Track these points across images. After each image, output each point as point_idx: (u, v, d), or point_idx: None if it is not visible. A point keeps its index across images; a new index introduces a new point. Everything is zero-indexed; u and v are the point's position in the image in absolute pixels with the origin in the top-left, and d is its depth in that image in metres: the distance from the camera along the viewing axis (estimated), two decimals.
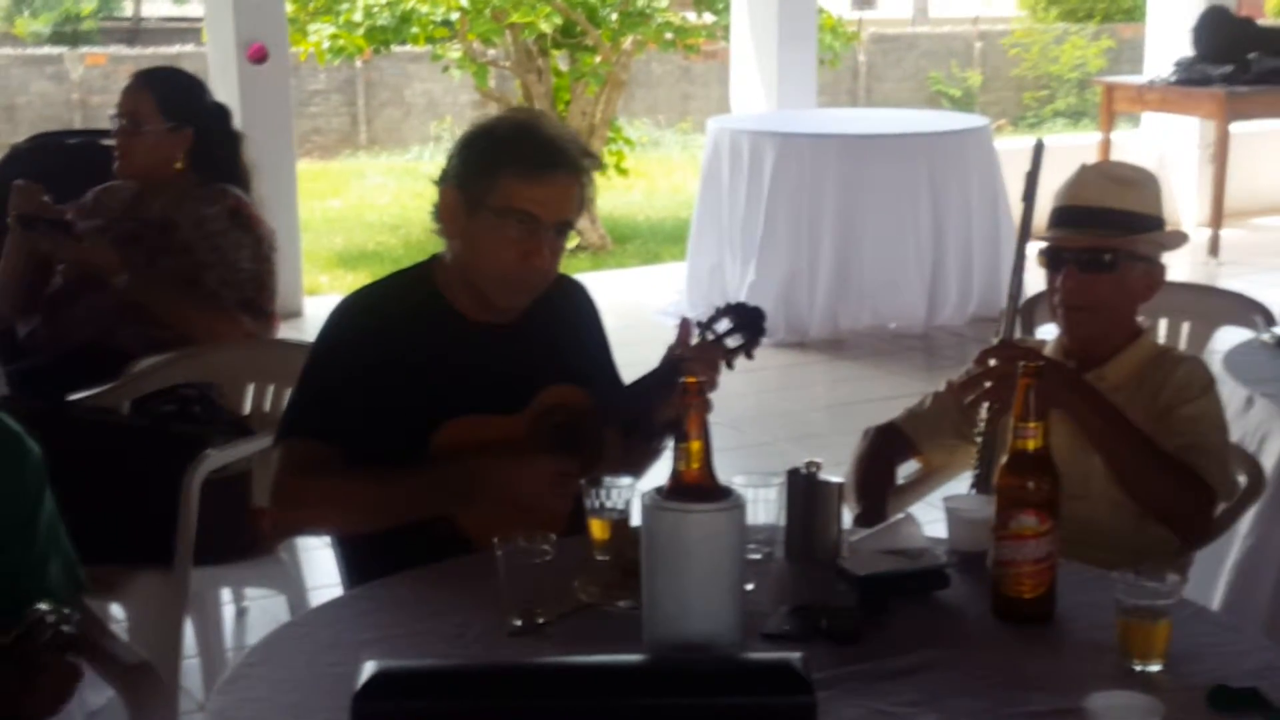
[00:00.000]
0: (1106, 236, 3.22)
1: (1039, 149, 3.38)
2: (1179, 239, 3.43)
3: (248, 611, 4.69)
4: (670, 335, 3.10)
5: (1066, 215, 3.28)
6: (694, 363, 2.98)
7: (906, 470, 3.53)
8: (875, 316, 7.96)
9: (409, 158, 15.43)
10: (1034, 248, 3.34)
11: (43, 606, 2.38)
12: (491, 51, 11.18)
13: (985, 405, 3.19)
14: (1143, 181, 3.32)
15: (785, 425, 6.62)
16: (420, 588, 2.67)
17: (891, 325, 7.99)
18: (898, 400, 3.61)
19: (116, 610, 3.45)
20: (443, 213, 3.04)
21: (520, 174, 2.94)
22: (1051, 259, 3.27)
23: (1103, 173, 3.33)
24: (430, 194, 3.09)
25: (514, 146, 2.96)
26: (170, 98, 4.41)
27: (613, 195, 11.86)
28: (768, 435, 6.40)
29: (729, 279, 7.90)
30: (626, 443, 3.12)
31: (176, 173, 4.40)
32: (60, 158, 5.23)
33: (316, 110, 16.67)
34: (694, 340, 3.10)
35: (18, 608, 2.61)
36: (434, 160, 12.74)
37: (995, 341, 3.27)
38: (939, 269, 8.02)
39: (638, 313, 7.79)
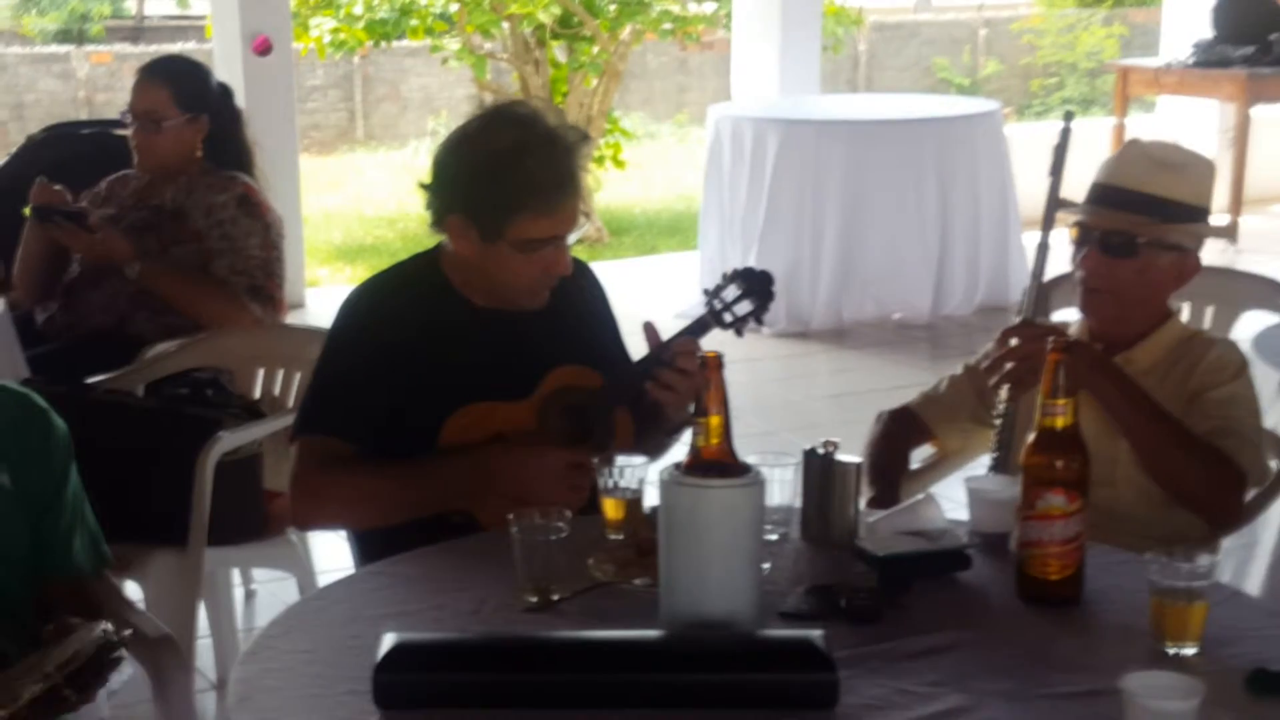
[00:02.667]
0: (1136, 221, 3.14)
1: (1068, 121, 3.32)
2: (1217, 231, 3.33)
3: (256, 594, 4.71)
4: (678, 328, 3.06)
5: (1101, 193, 3.20)
6: (678, 355, 2.95)
7: (921, 455, 3.51)
8: (879, 306, 7.88)
9: (406, 152, 15.41)
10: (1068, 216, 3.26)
11: (106, 628, 2.41)
12: (489, 44, 11.17)
13: (1006, 386, 3.15)
14: (1190, 166, 3.22)
15: (787, 415, 6.59)
16: (435, 565, 2.67)
17: (896, 315, 7.91)
18: (902, 391, 3.57)
19: (132, 588, 3.46)
20: (455, 239, 2.97)
21: (537, 211, 2.91)
22: (1081, 237, 3.20)
23: (1149, 153, 3.22)
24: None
25: (527, 185, 2.89)
26: (184, 89, 4.48)
27: (609, 188, 11.83)
28: (770, 425, 6.37)
29: (727, 269, 7.75)
30: (638, 423, 3.10)
31: (195, 161, 4.43)
32: (74, 147, 5.32)
33: (314, 106, 16.65)
34: (703, 310, 3.07)
35: (44, 580, 2.63)
36: (430, 156, 12.72)
37: (1017, 321, 3.22)
38: (945, 258, 7.92)
39: (638, 306, 7.75)
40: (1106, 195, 3.19)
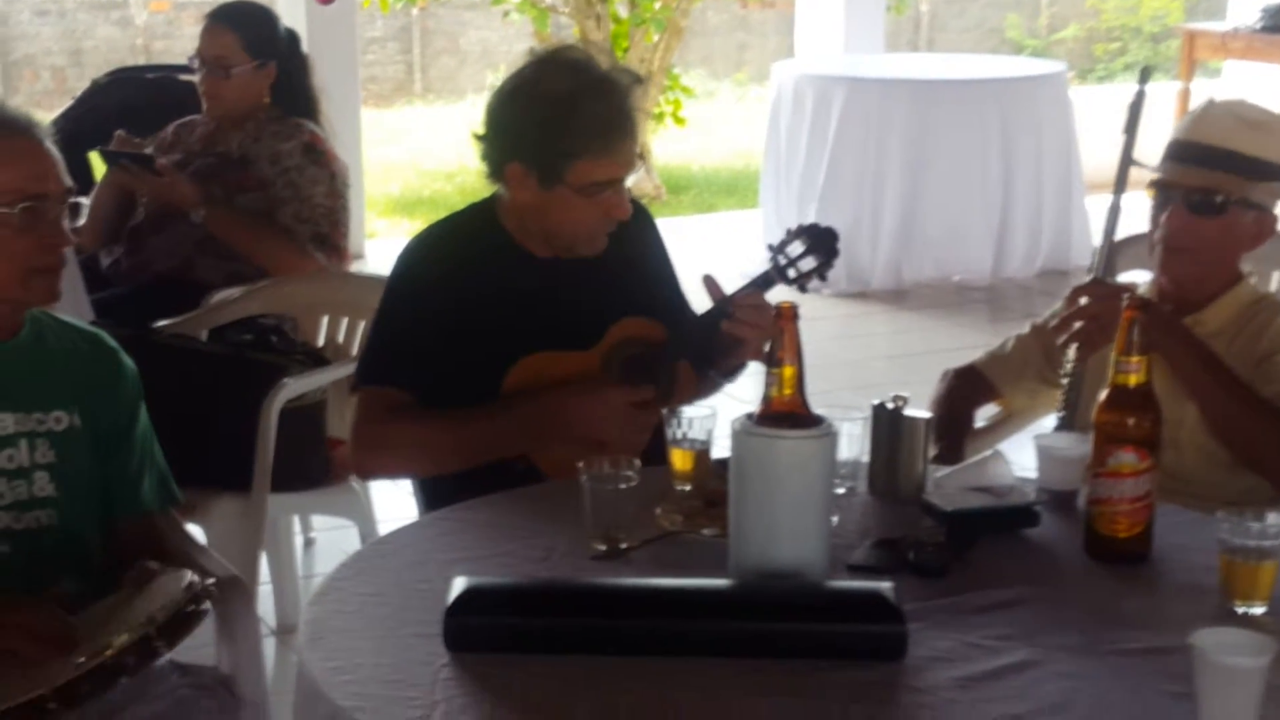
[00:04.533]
0: (1223, 179, 3.10)
1: (1144, 77, 3.29)
2: None
3: (316, 542, 4.73)
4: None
5: (1184, 150, 3.15)
6: (742, 308, 2.95)
7: (985, 414, 3.50)
8: (940, 267, 7.83)
9: (464, 106, 15.40)
10: (1139, 177, 3.23)
11: (193, 579, 2.43)
12: None
13: (1074, 345, 3.13)
14: (1273, 125, 3.17)
15: (847, 375, 6.57)
16: (502, 512, 2.68)
17: (956, 277, 7.86)
18: (961, 353, 3.55)
19: (196, 533, 3.48)
20: (514, 187, 2.97)
21: (597, 154, 2.91)
22: (1162, 196, 3.15)
23: (1232, 111, 3.17)
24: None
25: (585, 128, 2.89)
26: (253, 35, 4.47)
27: (668, 146, 11.79)
28: (828, 384, 6.36)
29: (787, 227, 7.73)
30: (699, 374, 3.10)
31: (262, 107, 4.44)
32: (139, 92, 5.32)
33: (373, 58, 16.63)
34: (767, 265, 3.07)
35: (114, 519, 2.65)
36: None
37: (1087, 280, 3.20)
38: (1007, 220, 7.86)
39: (697, 263, 7.72)
40: (1191, 153, 3.14)
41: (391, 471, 3.19)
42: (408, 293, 3.02)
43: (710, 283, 3.04)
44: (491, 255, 3.02)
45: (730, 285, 3.05)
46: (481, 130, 3.01)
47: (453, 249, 3.06)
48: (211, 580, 2.48)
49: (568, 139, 2.90)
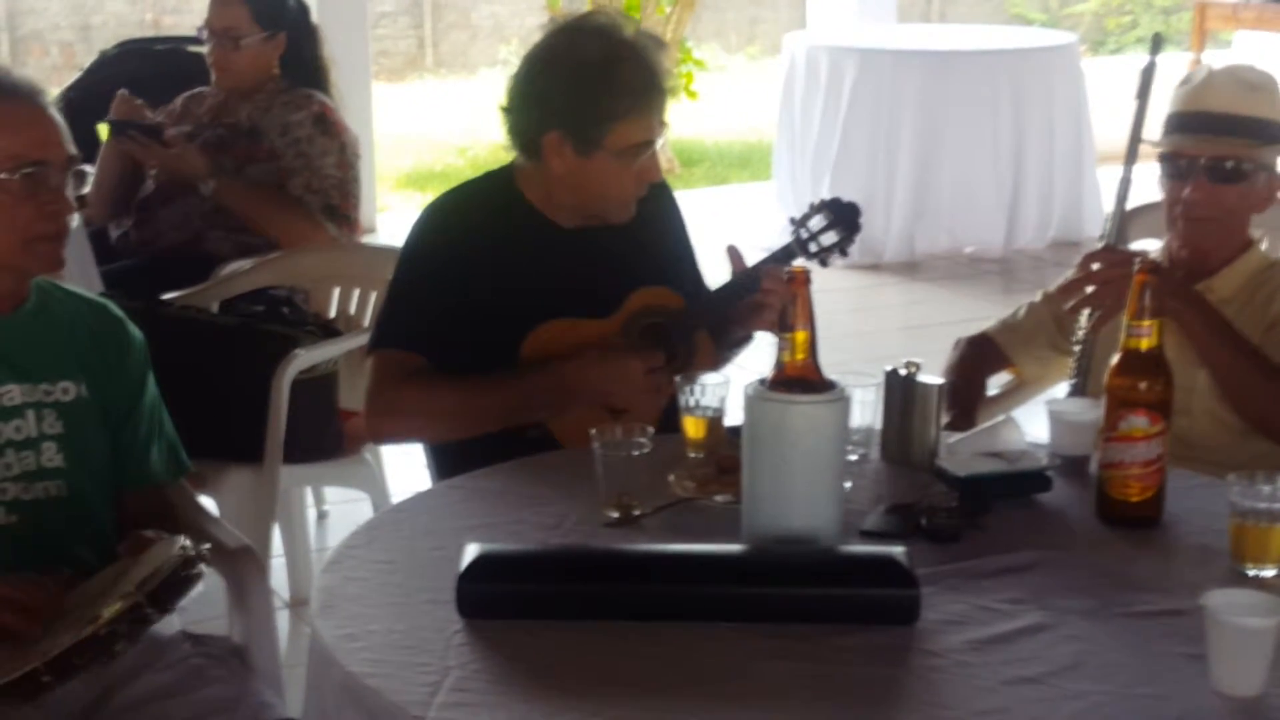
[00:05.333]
0: (1241, 145, 3.10)
1: (1156, 43, 3.28)
2: None
3: (328, 515, 4.72)
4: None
5: (1196, 120, 3.14)
6: (770, 279, 2.95)
7: (998, 382, 3.49)
8: (952, 239, 7.83)
9: (476, 81, 15.37)
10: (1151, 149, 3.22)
11: (185, 544, 2.41)
12: None
13: (1085, 312, 3.13)
14: (1270, 87, 3.17)
15: (859, 346, 6.56)
16: (515, 479, 2.67)
17: (968, 249, 7.86)
18: (973, 324, 3.54)
19: (208, 505, 3.48)
20: (551, 157, 2.95)
21: (636, 115, 2.91)
22: (1177, 168, 3.14)
23: (1235, 76, 3.17)
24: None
25: (622, 91, 2.90)
26: (262, 6, 4.47)
27: (681, 119, 11.77)
28: (841, 355, 6.33)
29: (802, 200, 7.74)
30: (718, 345, 3.10)
31: (271, 78, 4.43)
32: (147, 63, 5.30)
33: (384, 32, 16.59)
34: (789, 238, 3.08)
35: (124, 489, 2.65)
36: (500, 84, 12.67)
37: (1099, 246, 3.19)
38: (1019, 192, 7.86)
39: (711, 236, 7.71)
40: (1204, 122, 3.13)
41: (405, 435, 3.18)
42: (425, 257, 3.02)
43: (733, 253, 3.06)
44: (510, 222, 3.02)
45: (747, 257, 3.06)
46: (509, 104, 3.00)
47: (471, 215, 3.05)
48: (206, 545, 2.46)
49: (607, 102, 2.90)
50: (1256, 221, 3.25)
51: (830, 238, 3.07)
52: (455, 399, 2.93)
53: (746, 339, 3.17)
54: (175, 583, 2.35)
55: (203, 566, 2.41)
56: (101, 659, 2.28)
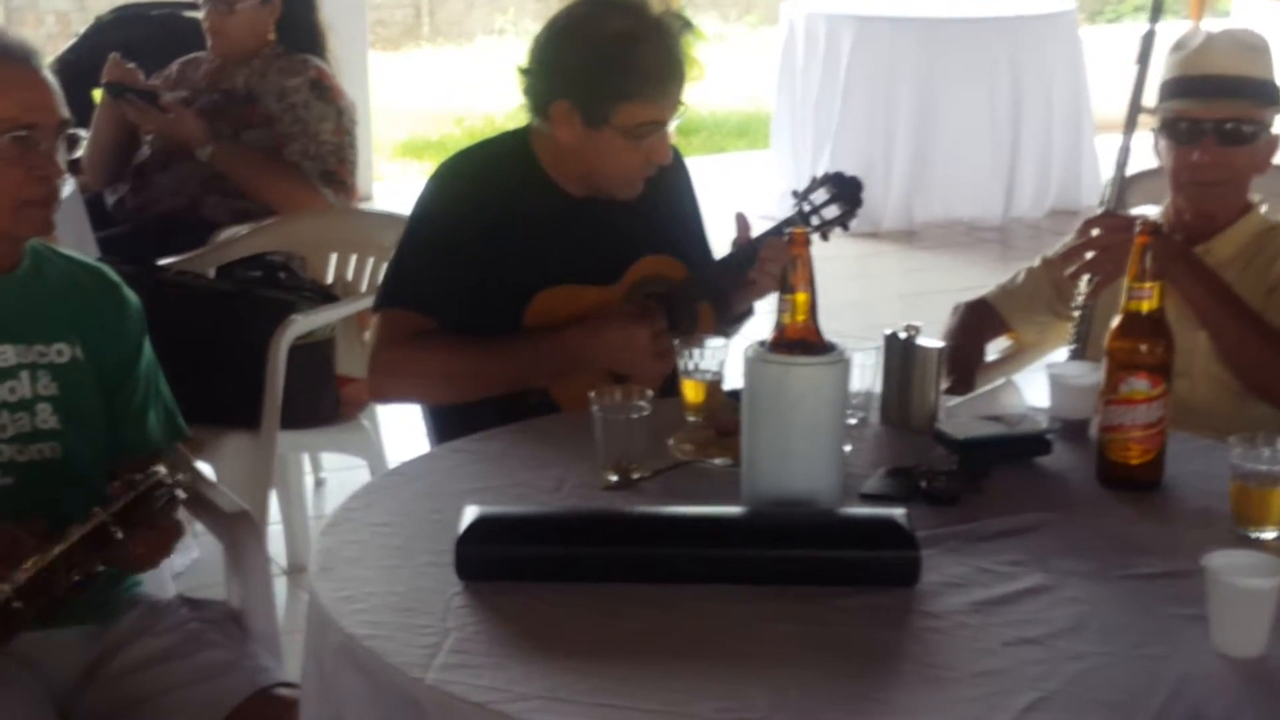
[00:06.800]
0: (1247, 106, 3.10)
1: (1156, 11, 3.27)
2: None
3: (326, 483, 4.72)
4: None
5: (1199, 84, 3.13)
6: (774, 249, 2.95)
7: (997, 347, 3.49)
8: (950, 208, 7.83)
9: (473, 49, 15.32)
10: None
11: (160, 470, 2.38)
12: None
13: (1085, 278, 3.12)
14: (1266, 48, 3.17)
15: (857, 315, 6.52)
16: (514, 443, 2.66)
17: (967, 217, 7.86)
18: (972, 292, 3.53)
19: (205, 471, 3.48)
20: (558, 125, 2.94)
21: (647, 97, 2.90)
22: (1182, 132, 3.12)
23: (1234, 38, 3.17)
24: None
25: (638, 72, 2.88)
26: None
27: None
28: (840, 324, 6.32)
29: (801, 168, 7.76)
30: (720, 316, 3.10)
31: (267, 44, 4.42)
32: (143, 29, 5.26)
33: (381, 1, 16.57)
34: (791, 210, 3.07)
35: (120, 454, 2.64)
36: (497, 53, 12.65)
37: (1099, 211, 3.19)
38: (1017, 161, 7.85)
39: (710, 203, 7.69)
40: (1210, 85, 3.12)
41: (407, 396, 3.17)
42: (436, 216, 3.01)
43: (741, 220, 3.06)
44: (522, 186, 3.01)
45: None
46: (527, 65, 2.99)
47: (483, 176, 3.04)
48: (181, 475, 2.44)
49: (620, 80, 2.88)
50: (1257, 185, 3.25)
51: (832, 211, 3.07)
52: (459, 361, 2.92)
53: (748, 313, 3.18)
54: (142, 502, 2.33)
55: (179, 492, 2.38)
56: (75, 581, 2.27)
